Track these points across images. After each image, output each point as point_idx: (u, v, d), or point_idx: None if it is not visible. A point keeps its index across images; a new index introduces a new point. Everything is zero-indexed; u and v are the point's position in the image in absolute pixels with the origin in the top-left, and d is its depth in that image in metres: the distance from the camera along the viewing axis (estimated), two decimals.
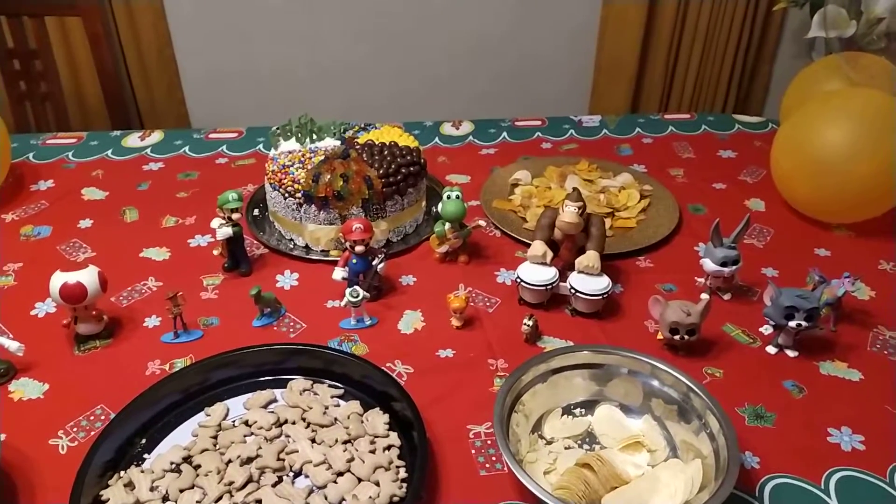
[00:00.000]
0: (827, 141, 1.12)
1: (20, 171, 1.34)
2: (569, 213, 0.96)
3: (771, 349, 0.92)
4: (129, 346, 0.92)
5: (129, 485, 0.72)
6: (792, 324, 0.87)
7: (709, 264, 0.98)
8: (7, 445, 0.76)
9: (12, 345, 0.85)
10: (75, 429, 0.80)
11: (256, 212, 1.21)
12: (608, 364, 0.83)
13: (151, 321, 0.96)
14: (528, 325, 0.91)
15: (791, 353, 0.91)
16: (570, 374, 0.83)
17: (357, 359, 0.86)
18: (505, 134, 1.52)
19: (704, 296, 1.00)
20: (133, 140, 1.48)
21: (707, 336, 0.93)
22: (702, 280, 1.03)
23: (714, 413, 0.74)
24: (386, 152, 1.13)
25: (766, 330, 0.93)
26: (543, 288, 0.97)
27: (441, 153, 1.44)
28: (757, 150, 1.46)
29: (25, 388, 0.85)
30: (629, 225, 1.18)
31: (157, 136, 1.49)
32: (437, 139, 1.50)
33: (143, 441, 0.78)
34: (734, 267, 0.98)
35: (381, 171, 1.08)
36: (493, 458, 0.77)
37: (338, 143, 1.16)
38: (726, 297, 1.02)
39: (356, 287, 0.94)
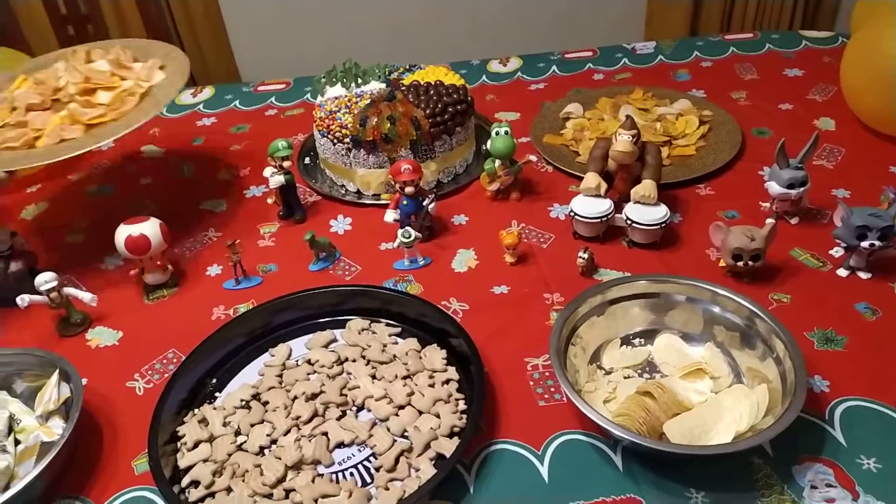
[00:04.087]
0: None
1: None
2: (622, 143, 0.93)
3: (842, 272, 0.88)
4: (194, 294, 0.96)
5: (203, 421, 0.75)
6: (865, 244, 0.83)
7: (774, 187, 0.94)
8: (89, 389, 0.81)
9: (86, 296, 0.89)
10: (150, 371, 0.84)
11: (308, 160, 1.22)
12: (666, 293, 0.81)
13: (213, 269, 0.99)
14: (584, 258, 0.90)
15: (864, 276, 0.87)
16: (628, 304, 0.81)
17: (413, 298, 0.86)
18: (554, 68, 1.47)
19: (770, 221, 0.96)
20: (186, 97, 1.50)
21: (773, 261, 0.89)
22: (767, 205, 0.98)
23: (780, 336, 0.72)
24: (432, 92, 1.11)
25: (837, 252, 0.89)
26: (598, 220, 0.95)
27: (489, 91, 1.41)
28: (826, 67, 1.37)
29: (101, 336, 0.90)
30: (688, 152, 1.13)
31: (208, 91, 1.52)
32: (484, 77, 1.46)
33: (214, 381, 0.82)
34: (802, 189, 0.93)
35: (427, 112, 1.07)
36: (552, 389, 0.77)
37: (383, 85, 1.15)
38: (794, 221, 0.97)
39: (408, 228, 0.94)
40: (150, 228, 0.91)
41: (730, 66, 1.42)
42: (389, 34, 2.30)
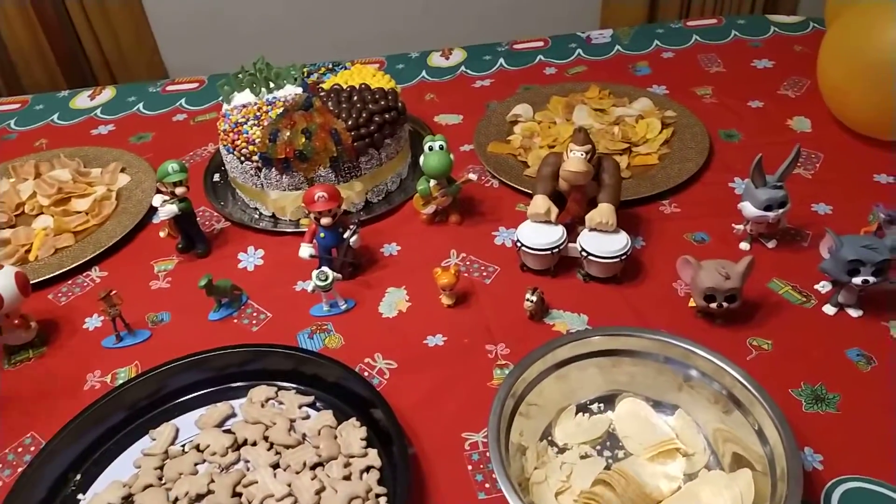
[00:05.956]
0: (889, 43, 0.91)
1: None
2: (574, 161, 0.79)
3: (829, 309, 0.76)
4: (65, 355, 0.79)
5: None
6: (857, 280, 0.71)
7: (750, 209, 0.81)
8: None
9: None
10: (0, 465, 0.68)
11: (217, 177, 1.05)
12: (628, 349, 0.67)
13: (92, 322, 0.83)
14: (532, 302, 0.76)
15: (854, 313, 0.75)
16: (584, 363, 0.67)
17: (326, 360, 0.71)
18: (502, 61, 1.32)
19: (745, 245, 0.84)
20: (82, 100, 1.31)
21: (750, 296, 0.77)
22: (740, 227, 0.85)
23: (767, 411, 0.59)
24: (355, 98, 0.95)
25: (824, 287, 0.77)
26: (549, 252, 0.81)
27: (429, 89, 1.25)
28: (797, 57, 1.25)
29: None
30: (650, 161, 1.00)
31: (108, 93, 1.33)
32: (423, 73, 1.30)
33: (78, 477, 0.66)
34: (781, 210, 0.80)
35: (349, 123, 0.91)
36: (494, 477, 0.63)
37: (300, 90, 0.99)
38: (771, 244, 0.85)
39: (324, 269, 0.79)
40: (2, 280, 0.74)
41: (693, 56, 1.28)
42: (324, 21, 2.10)
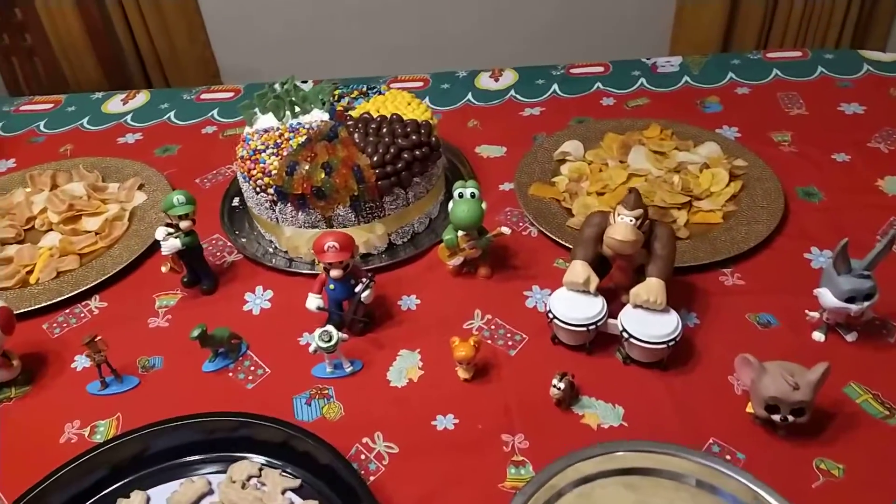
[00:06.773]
0: None
1: None
2: (622, 228, 0.68)
3: None
4: (47, 398, 0.73)
5: None
6: None
7: (828, 298, 0.68)
8: None
9: None
10: None
11: (237, 201, 0.98)
12: (660, 469, 0.56)
13: (81, 361, 0.77)
14: (559, 389, 0.66)
15: None
16: (608, 482, 0.57)
17: (315, 440, 0.63)
18: (555, 86, 1.21)
19: (819, 336, 0.73)
20: (115, 104, 1.27)
21: (821, 402, 0.64)
22: (815, 314, 0.73)
23: None
24: (384, 130, 0.87)
25: None
26: (584, 328, 0.70)
27: (473, 114, 1.16)
28: (893, 103, 1.10)
29: None
30: (712, 220, 0.88)
31: (141, 97, 1.28)
32: (469, 95, 1.21)
33: None
34: (866, 304, 0.68)
35: (375, 158, 0.82)
36: None
37: (326, 116, 0.90)
38: (850, 337, 0.72)
39: (328, 328, 0.70)
40: None
41: (771, 94, 1.15)
42: (375, 27, 2.01)
